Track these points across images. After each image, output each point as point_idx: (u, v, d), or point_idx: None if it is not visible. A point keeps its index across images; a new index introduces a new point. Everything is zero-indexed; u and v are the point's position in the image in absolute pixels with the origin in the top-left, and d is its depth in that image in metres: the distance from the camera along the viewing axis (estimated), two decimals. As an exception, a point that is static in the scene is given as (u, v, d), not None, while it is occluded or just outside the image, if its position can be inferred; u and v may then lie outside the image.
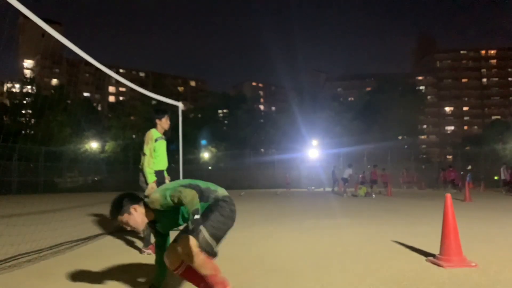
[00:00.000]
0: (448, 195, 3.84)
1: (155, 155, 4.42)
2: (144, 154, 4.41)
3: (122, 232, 6.16)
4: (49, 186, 25.62)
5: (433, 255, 3.89)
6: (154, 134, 4.48)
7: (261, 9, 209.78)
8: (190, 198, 2.24)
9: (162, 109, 4.69)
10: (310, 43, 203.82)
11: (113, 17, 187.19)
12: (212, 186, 2.64)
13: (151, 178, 4.32)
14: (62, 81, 68.26)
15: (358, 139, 35.43)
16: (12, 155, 23.50)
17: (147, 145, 4.40)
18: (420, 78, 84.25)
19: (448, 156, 66.84)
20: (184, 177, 6.84)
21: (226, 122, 46.81)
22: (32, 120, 34.72)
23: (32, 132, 33.52)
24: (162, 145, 4.52)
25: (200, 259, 2.28)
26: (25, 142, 27.82)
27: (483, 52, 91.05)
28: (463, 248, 3.70)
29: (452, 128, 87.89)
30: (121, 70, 78.53)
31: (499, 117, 67.65)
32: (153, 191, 2.63)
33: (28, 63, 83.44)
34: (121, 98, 72.59)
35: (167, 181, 4.56)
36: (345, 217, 8.35)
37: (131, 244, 5.17)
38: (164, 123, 4.59)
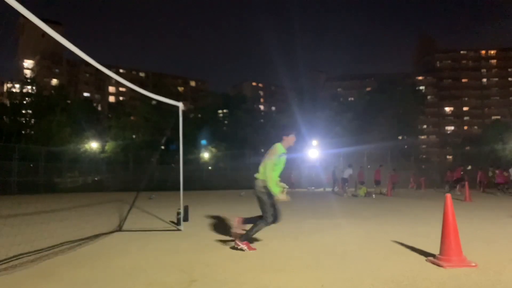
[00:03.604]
0: (448, 195, 3.84)
1: (275, 168, 4.42)
2: (267, 167, 4.41)
3: (122, 232, 6.17)
4: (49, 186, 25.60)
5: (433, 255, 3.89)
6: (280, 149, 4.51)
7: (261, 9, 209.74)
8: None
9: (290, 126, 4.87)
10: (310, 43, 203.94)
11: (113, 17, 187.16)
12: None
13: (277, 190, 4.37)
14: (62, 81, 68.30)
15: (358, 139, 35.42)
16: (12, 155, 23.50)
17: (271, 159, 4.43)
18: (420, 78, 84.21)
19: (448, 156, 66.89)
20: (184, 177, 6.88)
21: (226, 122, 46.80)
22: (32, 120, 34.68)
23: (32, 132, 33.49)
24: (283, 161, 4.53)
25: None
26: (25, 142, 27.85)
27: (483, 52, 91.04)
28: (463, 248, 3.70)
29: (452, 128, 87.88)
30: (121, 70, 78.49)
31: (499, 117, 67.65)
32: (283, 199, 4.18)
33: (28, 63, 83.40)
34: (121, 98, 72.60)
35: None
36: (345, 217, 8.35)
37: (131, 244, 5.17)
38: (290, 140, 4.64)
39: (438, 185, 28.30)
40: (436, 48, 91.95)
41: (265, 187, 4.38)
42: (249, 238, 4.50)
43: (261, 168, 4.48)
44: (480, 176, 22.39)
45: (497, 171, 21.80)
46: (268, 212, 4.40)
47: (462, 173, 21.47)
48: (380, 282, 3.16)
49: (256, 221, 4.53)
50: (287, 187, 4.57)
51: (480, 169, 23.84)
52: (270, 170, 4.36)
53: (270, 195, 4.36)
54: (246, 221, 4.66)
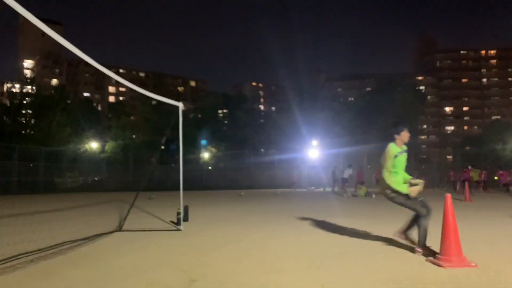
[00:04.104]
0: (448, 195, 3.84)
1: (394, 170, 4.21)
2: (385, 173, 4.28)
3: (122, 232, 6.17)
4: (49, 186, 25.61)
5: (433, 255, 3.89)
6: (393, 150, 4.25)
7: (261, 9, 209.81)
8: None
9: (400, 122, 4.44)
10: (310, 43, 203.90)
11: (113, 17, 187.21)
12: None
13: (405, 188, 4.18)
14: (62, 81, 68.32)
15: (358, 139, 35.43)
16: (12, 155, 23.50)
17: (388, 163, 4.24)
18: (420, 78, 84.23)
19: (448, 156, 66.87)
20: (184, 177, 6.88)
21: (226, 122, 46.80)
22: (32, 120, 34.67)
23: (32, 132, 33.47)
24: (402, 159, 4.28)
25: None
26: (25, 142, 27.84)
27: (483, 52, 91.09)
28: (463, 248, 3.70)
29: (452, 128, 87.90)
30: (121, 70, 78.50)
31: (499, 117, 67.68)
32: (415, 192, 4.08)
33: (28, 63, 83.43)
34: (121, 98, 72.57)
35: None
36: (345, 217, 8.34)
37: (131, 244, 5.17)
38: (404, 136, 4.31)
39: (437, 185, 28.31)
40: (436, 48, 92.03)
41: (393, 191, 4.22)
42: (423, 242, 4.19)
43: (382, 175, 4.30)
44: (484, 175, 22.49)
45: (501, 171, 21.98)
46: (417, 207, 4.19)
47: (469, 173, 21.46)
48: (380, 282, 3.16)
49: (415, 223, 4.33)
50: (422, 181, 4.28)
51: (484, 168, 23.89)
52: (388, 176, 4.20)
53: (402, 194, 4.18)
54: (406, 229, 4.47)
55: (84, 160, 32.80)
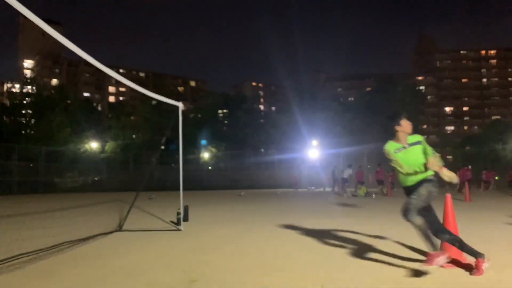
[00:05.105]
0: (448, 195, 3.84)
1: (403, 167, 3.63)
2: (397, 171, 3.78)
3: (122, 232, 6.17)
4: (49, 186, 25.65)
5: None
6: (390, 148, 3.73)
7: (261, 9, 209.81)
8: None
9: (396, 112, 3.84)
10: (310, 43, 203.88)
11: (114, 17, 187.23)
12: None
13: (425, 175, 3.56)
14: (62, 81, 68.33)
15: (358, 139, 35.44)
16: (12, 155, 23.52)
17: (393, 164, 3.73)
18: (420, 78, 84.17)
19: (448, 156, 66.86)
20: (184, 177, 6.88)
21: (226, 122, 46.82)
22: (32, 120, 34.71)
23: (32, 132, 33.51)
24: (408, 153, 3.67)
25: None
26: (25, 142, 27.86)
27: (483, 52, 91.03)
28: (463, 248, 3.69)
29: (452, 128, 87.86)
30: (121, 70, 78.46)
31: (499, 117, 67.64)
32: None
33: (28, 63, 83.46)
34: (121, 98, 72.57)
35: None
36: (345, 217, 8.35)
37: (131, 244, 5.17)
38: (405, 126, 3.72)
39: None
40: (436, 48, 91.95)
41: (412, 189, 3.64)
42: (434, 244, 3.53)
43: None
44: (487, 175, 22.58)
45: (484, 171, 22.30)
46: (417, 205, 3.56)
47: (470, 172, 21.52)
48: (380, 282, 3.16)
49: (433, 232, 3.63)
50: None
51: (485, 168, 23.94)
52: (400, 175, 3.73)
53: (422, 193, 3.52)
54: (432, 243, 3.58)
55: (84, 160, 32.83)
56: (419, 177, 3.60)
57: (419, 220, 3.45)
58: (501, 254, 4.19)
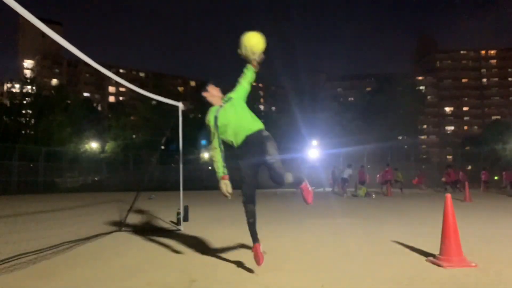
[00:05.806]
0: (448, 195, 3.84)
1: (214, 139, 3.73)
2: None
3: (122, 232, 6.17)
4: (49, 186, 25.64)
5: (433, 255, 3.89)
6: (209, 115, 3.75)
7: (261, 8, 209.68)
8: None
9: (205, 83, 3.86)
10: (310, 43, 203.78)
11: (113, 17, 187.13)
12: None
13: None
14: (62, 81, 68.34)
15: (358, 139, 35.46)
16: (12, 155, 23.52)
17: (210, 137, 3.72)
18: (420, 78, 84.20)
19: (448, 156, 66.89)
20: (184, 177, 6.88)
21: (226, 122, 46.73)
22: (32, 120, 34.71)
23: (32, 132, 33.51)
24: (221, 122, 3.64)
25: None
26: (25, 142, 27.87)
27: (483, 52, 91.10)
28: (463, 248, 3.70)
29: (452, 128, 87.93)
30: (121, 70, 78.52)
31: (499, 117, 67.67)
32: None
33: (28, 63, 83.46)
34: (121, 98, 72.61)
35: None
36: (345, 217, 8.35)
37: (131, 244, 5.17)
38: (212, 92, 3.83)
39: (438, 185, 28.31)
40: (436, 48, 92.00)
41: None
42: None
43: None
44: (485, 175, 22.62)
45: (503, 173, 22.35)
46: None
47: (460, 173, 21.65)
48: (380, 282, 3.16)
49: None
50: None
51: (484, 168, 23.96)
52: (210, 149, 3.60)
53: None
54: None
55: (84, 160, 32.82)
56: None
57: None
58: (501, 254, 4.19)
